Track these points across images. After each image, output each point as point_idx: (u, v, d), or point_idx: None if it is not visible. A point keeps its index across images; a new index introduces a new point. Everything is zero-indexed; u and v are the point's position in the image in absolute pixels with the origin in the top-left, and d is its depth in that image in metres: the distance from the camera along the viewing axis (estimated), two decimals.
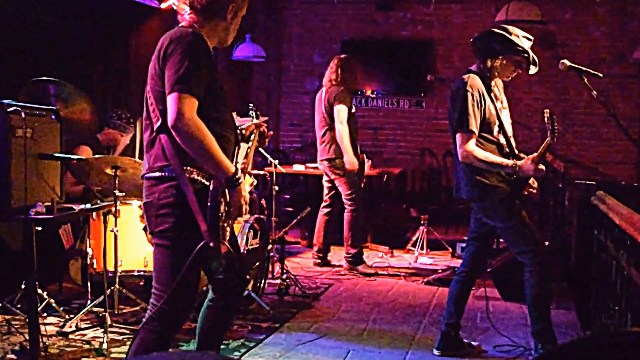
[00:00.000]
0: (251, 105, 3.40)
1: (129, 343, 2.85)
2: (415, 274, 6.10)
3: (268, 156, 5.92)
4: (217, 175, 2.67)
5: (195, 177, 2.67)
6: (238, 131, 2.96)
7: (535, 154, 3.75)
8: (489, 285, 5.21)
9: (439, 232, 7.14)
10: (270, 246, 5.15)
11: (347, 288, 5.62)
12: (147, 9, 6.60)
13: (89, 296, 4.40)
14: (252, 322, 4.54)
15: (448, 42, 9.20)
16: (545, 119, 3.71)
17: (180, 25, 2.84)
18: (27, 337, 3.64)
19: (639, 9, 8.75)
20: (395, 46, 9.33)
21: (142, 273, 4.45)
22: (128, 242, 4.36)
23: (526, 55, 3.79)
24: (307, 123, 9.48)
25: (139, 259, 4.42)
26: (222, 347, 3.90)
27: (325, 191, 6.39)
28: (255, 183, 5.17)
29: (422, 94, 9.33)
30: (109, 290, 4.19)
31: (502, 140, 3.86)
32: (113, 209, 4.09)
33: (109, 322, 3.93)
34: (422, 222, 6.81)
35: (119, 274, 4.25)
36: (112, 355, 3.84)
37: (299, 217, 5.50)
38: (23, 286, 4.10)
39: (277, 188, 5.90)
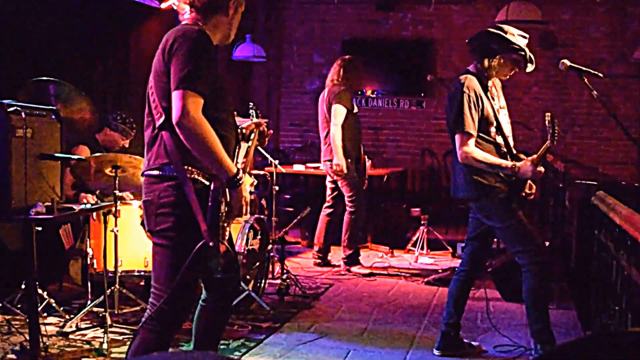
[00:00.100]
0: (251, 104, 3.39)
1: (129, 343, 2.85)
2: (415, 274, 6.10)
3: (268, 156, 5.92)
4: (219, 175, 2.66)
5: (196, 176, 2.67)
6: (238, 130, 2.96)
7: (534, 156, 3.76)
8: (489, 285, 5.21)
9: (439, 232, 7.14)
10: (270, 246, 5.15)
11: (348, 288, 5.62)
12: (147, 9, 6.60)
13: (89, 296, 4.40)
14: (252, 322, 4.54)
15: (448, 42, 9.21)
16: (546, 122, 3.72)
17: (183, 22, 2.83)
18: (27, 337, 3.63)
19: (639, 9, 8.75)
20: (396, 46, 9.33)
21: (142, 273, 4.44)
22: (128, 242, 4.36)
23: (523, 53, 3.80)
24: (307, 123, 9.49)
25: (139, 259, 4.42)
26: (222, 347, 3.91)
27: (329, 192, 6.39)
28: (255, 183, 5.17)
29: (422, 94, 9.33)
30: (109, 290, 4.19)
31: (500, 141, 3.86)
32: (113, 209, 4.09)
33: (109, 322, 3.93)
34: (422, 222, 6.82)
35: (119, 274, 4.25)
36: (112, 355, 3.84)
37: (299, 217, 5.50)
38: (23, 286, 4.10)
39: (277, 188, 5.90)
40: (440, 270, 6.13)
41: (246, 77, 9.69)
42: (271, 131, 3.32)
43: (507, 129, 3.93)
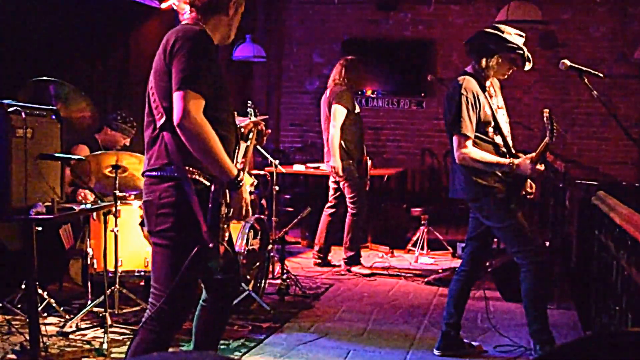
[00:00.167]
0: (249, 102, 3.39)
1: (129, 343, 2.85)
2: (415, 274, 6.10)
3: (268, 156, 5.92)
4: (219, 177, 2.66)
5: (197, 177, 2.67)
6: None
7: (533, 154, 3.76)
8: (490, 285, 5.21)
9: (439, 232, 7.14)
10: (270, 246, 5.15)
11: (348, 288, 5.62)
12: (147, 9, 6.60)
13: (89, 296, 4.40)
14: (252, 322, 4.54)
15: (448, 42, 9.20)
16: (545, 119, 3.72)
17: (184, 22, 2.83)
18: (28, 337, 3.63)
19: (639, 9, 8.75)
20: (396, 46, 9.32)
21: (142, 273, 4.44)
22: (128, 242, 4.36)
23: (520, 52, 3.80)
24: (307, 123, 9.48)
25: (140, 259, 4.41)
26: (222, 347, 3.91)
27: (331, 192, 6.38)
28: (255, 183, 5.17)
29: (423, 94, 9.33)
30: (109, 290, 4.19)
31: (498, 140, 3.86)
32: (113, 209, 4.09)
33: (109, 322, 3.93)
34: (422, 222, 6.81)
35: (119, 274, 4.24)
36: (112, 356, 3.84)
37: (299, 217, 5.50)
38: (23, 286, 4.10)
39: (277, 188, 5.90)
40: (440, 270, 6.13)
41: (246, 77, 9.68)
42: (269, 130, 3.32)
43: (506, 128, 3.93)
